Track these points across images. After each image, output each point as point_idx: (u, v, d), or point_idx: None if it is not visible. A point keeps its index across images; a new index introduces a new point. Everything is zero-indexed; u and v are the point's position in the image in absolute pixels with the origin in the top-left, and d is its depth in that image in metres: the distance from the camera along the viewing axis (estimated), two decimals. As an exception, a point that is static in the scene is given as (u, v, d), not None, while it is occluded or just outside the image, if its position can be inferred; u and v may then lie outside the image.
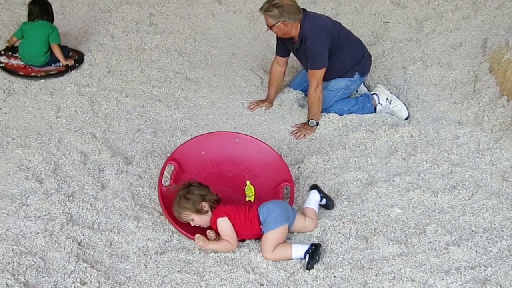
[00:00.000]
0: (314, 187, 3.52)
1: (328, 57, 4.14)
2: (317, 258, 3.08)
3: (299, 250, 3.12)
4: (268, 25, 4.08)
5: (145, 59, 5.14)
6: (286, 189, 3.61)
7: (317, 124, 4.28)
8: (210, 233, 3.23)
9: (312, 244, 3.12)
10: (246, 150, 3.73)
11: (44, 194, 3.54)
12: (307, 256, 3.07)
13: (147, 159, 3.93)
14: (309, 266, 3.05)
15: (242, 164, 3.71)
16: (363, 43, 4.51)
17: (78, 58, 5.06)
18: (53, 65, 4.96)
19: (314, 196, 3.45)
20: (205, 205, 3.16)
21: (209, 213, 3.19)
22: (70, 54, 5.08)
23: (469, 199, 3.51)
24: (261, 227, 3.16)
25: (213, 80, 4.90)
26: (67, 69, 4.90)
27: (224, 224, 3.15)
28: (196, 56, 5.26)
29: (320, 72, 4.15)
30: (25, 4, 5.95)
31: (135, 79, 4.85)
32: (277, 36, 4.26)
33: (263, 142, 3.79)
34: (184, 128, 4.29)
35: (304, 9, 4.11)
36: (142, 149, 4.06)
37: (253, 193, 3.59)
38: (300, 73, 4.74)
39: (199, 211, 3.16)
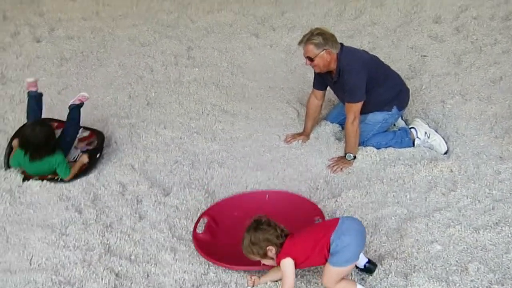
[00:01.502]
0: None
1: (365, 90, 4.14)
2: None
3: None
4: (309, 57, 4.06)
5: (183, 91, 5.22)
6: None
7: (355, 157, 4.25)
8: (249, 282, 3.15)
9: None
10: (277, 202, 3.76)
11: (83, 224, 3.59)
12: None
13: (184, 190, 3.95)
14: None
15: (275, 217, 3.66)
16: (401, 76, 4.49)
17: (97, 144, 4.30)
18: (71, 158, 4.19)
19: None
20: (272, 249, 2.97)
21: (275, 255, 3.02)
22: (80, 130, 4.37)
23: (512, 237, 3.42)
24: (329, 254, 2.96)
25: (250, 112, 4.93)
26: (90, 163, 4.14)
27: (286, 266, 2.97)
28: (233, 89, 5.31)
29: (358, 106, 4.14)
30: (68, 38, 6.17)
31: (173, 111, 4.91)
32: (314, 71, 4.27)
33: (290, 192, 3.87)
34: (221, 161, 4.32)
35: (341, 43, 4.13)
36: (180, 180, 4.09)
37: None
38: (337, 106, 4.73)
39: (265, 256, 3.00)
